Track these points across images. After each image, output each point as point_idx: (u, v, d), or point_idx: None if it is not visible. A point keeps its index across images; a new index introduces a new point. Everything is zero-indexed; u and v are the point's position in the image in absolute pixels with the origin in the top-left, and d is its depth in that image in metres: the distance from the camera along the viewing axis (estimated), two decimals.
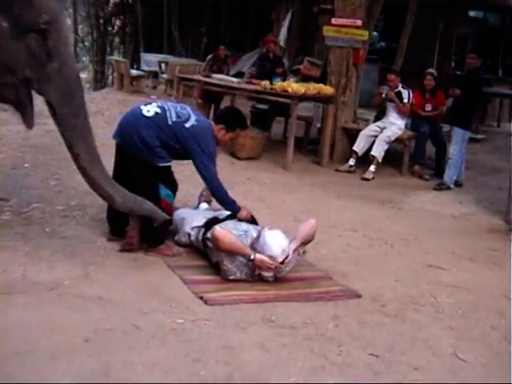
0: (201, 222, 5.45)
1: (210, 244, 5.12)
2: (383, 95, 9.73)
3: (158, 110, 5.32)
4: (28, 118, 4.58)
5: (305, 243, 5.18)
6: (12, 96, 4.48)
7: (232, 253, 4.84)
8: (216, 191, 5.50)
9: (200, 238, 5.33)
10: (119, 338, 3.86)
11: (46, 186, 6.93)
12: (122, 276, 4.84)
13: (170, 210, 5.43)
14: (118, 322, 4.05)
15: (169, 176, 5.38)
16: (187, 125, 5.36)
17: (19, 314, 4.04)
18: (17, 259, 4.87)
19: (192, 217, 5.61)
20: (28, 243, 5.18)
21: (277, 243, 4.85)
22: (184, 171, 8.00)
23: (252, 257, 4.83)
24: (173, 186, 5.46)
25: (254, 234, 5.07)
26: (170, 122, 5.29)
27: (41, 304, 4.20)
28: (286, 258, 4.85)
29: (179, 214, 5.69)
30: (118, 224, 5.44)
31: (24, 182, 6.84)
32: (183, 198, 6.55)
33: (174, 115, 5.35)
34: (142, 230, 5.32)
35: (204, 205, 6.12)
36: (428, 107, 9.92)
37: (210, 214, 5.55)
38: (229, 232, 4.91)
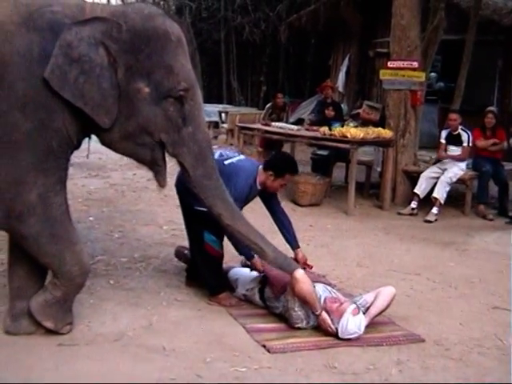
0: (254, 283, 5.46)
1: (270, 294, 5.16)
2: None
3: None
4: (161, 178, 4.70)
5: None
6: (148, 156, 4.62)
7: (304, 301, 4.84)
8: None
9: (257, 298, 5.35)
10: None
11: (110, 238, 7.09)
12: (185, 326, 4.90)
13: (218, 256, 5.46)
14: (181, 372, 4.10)
15: (213, 221, 4.98)
16: (226, 162, 5.38)
17: (84, 366, 4.13)
18: (82, 311, 4.98)
19: (245, 279, 5.60)
20: (93, 295, 5.30)
21: (355, 330, 4.79)
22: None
23: (318, 312, 4.83)
24: (218, 232, 5.32)
25: (322, 295, 5.03)
26: None
27: (105, 355, 4.29)
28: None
29: (233, 274, 5.72)
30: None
31: (89, 235, 7.00)
32: None
33: (217, 155, 5.28)
34: (203, 279, 5.39)
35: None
36: None
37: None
38: (309, 279, 4.89)
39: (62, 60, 4.14)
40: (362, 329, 4.82)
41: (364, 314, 4.92)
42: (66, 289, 4.51)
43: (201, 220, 5.27)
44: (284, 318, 4.99)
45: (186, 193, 5.16)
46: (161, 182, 4.71)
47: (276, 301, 5.10)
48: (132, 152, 4.66)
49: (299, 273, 4.84)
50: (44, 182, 4.24)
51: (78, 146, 4.57)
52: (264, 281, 5.32)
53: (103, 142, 4.60)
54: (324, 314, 4.83)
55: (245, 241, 4.86)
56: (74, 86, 4.17)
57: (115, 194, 8.61)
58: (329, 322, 4.81)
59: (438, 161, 9.88)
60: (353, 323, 4.77)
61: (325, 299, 4.96)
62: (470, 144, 9.58)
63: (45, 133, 4.21)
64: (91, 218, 7.78)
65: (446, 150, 9.72)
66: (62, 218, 4.40)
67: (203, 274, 5.44)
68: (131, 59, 4.33)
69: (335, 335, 4.81)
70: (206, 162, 4.69)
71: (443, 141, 9.75)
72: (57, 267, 4.45)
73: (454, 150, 9.64)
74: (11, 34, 4.12)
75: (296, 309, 4.88)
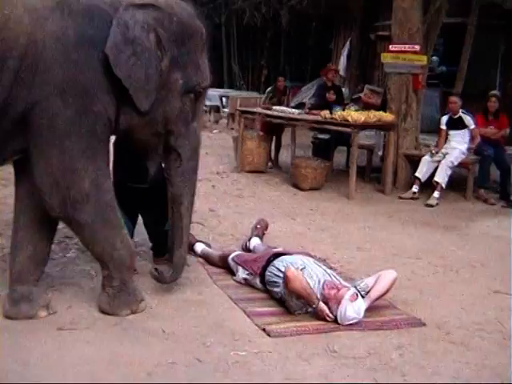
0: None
1: (271, 279, 5.15)
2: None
3: None
4: (151, 163, 4.94)
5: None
6: (154, 145, 4.82)
7: (299, 296, 4.82)
8: None
9: (258, 282, 5.34)
10: (182, 371, 3.91)
11: None
12: (184, 309, 4.89)
13: None
14: (181, 356, 4.10)
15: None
16: None
17: (84, 350, 4.13)
18: (82, 295, 4.99)
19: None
20: (93, 279, 5.30)
21: (354, 315, 4.76)
22: (247, 204, 8.09)
23: (315, 305, 4.80)
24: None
25: (321, 279, 5.03)
26: None
27: (105, 339, 4.29)
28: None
29: (234, 258, 5.70)
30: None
31: None
32: (247, 230, 6.59)
33: None
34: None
35: (256, 239, 6.14)
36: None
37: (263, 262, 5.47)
38: (302, 276, 4.86)
39: (120, 39, 4.29)
40: (362, 313, 4.80)
41: (364, 297, 4.90)
42: (121, 274, 4.68)
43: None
44: (284, 302, 4.97)
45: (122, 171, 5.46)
46: (151, 166, 4.93)
47: (275, 286, 5.08)
48: (145, 139, 4.77)
49: (290, 271, 4.81)
50: (94, 167, 4.38)
51: (115, 129, 4.63)
52: (266, 266, 5.30)
53: (123, 127, 4.63)
54: (321, 305, 4.80)
55: (179, 233, 5.02)
56: (125, 66, 4.31)
57: None
58: (327, 311, 4.78)
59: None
60: (351, 309, 4.75)
61: (324, 283, 4.94)
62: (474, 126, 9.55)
63: (87, 118, 4.30)
64: None
65: (447, 136, 9.68)
66: (112, 203, 4.56)
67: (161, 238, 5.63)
68: (175, 51, 4.54)
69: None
70: (197, 157, 5.02)
71: (444, 127, 9.71)
72: (109, 253, 4.59)
73: (456, 135, 9.59)
74: (44, 18, 4.16)
75: (294, 299, 4.86)
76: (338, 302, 4.77)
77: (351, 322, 4.74)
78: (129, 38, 4.31)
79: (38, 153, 4.29)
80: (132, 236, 5.61)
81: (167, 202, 5.08)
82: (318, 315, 4.81)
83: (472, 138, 9.57)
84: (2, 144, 4.31)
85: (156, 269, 5.16)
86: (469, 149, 9.63)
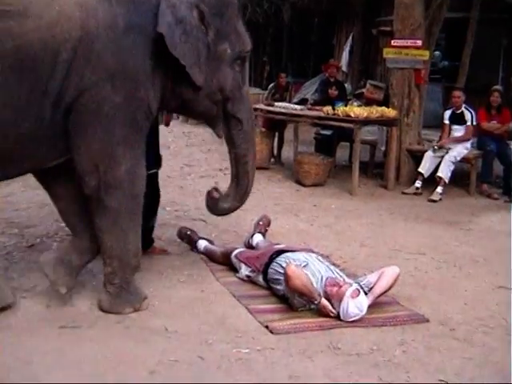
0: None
1: (273, 276, 5.14)
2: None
3: None
4: (218, 129, 5.22)
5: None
6: (215, 113, 5.07)
7: (301, 294, 4.81)
8: None
9: (261, 279, 5.33)
10: (184, 369, 3.91)
11: None
12: (187, 307, 4.88)
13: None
14: (183, 354, 4.09)
15: None
16: None
17: (86, 348, 4.12)
18: (84, 293, 4.99)
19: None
20: (95, 277, 5.26)
21: (357, 312, 4.75)
22: (250, 200, 8.07)
23: (317, 302, 4.80)
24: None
25: (324, 275, 5.01)
26: None
27: (108, 337, 4.28)
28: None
29: (236, 255, 5.70)
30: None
31: None
32: (249, 227, 6.59)
33: None
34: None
35: (258, 236, 6.13)
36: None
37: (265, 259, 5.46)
38: (303, 273, 4.86)
39: (171, 19, 4.49)
40: (365, 309, 4.78)
41: (367, 294, 4.89)
42: (123, 272, 4.71)
43: None
44: (287, 299, 4.96)
45: None
46: (220, 133, 5.23)
47: (278, 283, 5.07)
48: (207, 109, 5.03)
49: (290, 269, 4.80)
50: (131, 156, 4.52)
51: (153, 118, 4.89)
52: (268, 263, 5.29)
53: (184, 103, 4.94)
54: (324, 302, 4.79)
55: (247, 178, 5.31)
56: (180, 45, 4.53)
57: None
58: (329, 308, 4.77)
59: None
60: (353, 306, 4.73)
61: (326, 279, 4.93)
62: (474, 123, 9.52)
63: (131, 105, 4.47)
64: None
65: (450, 131, 9.66)
66: (141, 195, 4.67)
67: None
68: (218, 22, 4.78)
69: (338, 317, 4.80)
70: (252, 117, 5.51)
71: (446, 121, 9.70)
72: (121, 246, 4.65)
73: (458, 130, 9.58)
74: (95, 8, 4.34)
75: (296, 297, 4.85)
76: (340, 299, 4.76)
77: (354, 318, 4.72)
78: (178, 18, 4.52)
79: (81, 137, 4.40)
80: None
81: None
82: (321, 311, 4.81)
83: (465, 133, 9.55)
84: (56, 139, 4.43)
85: (216, 188, 5.46)
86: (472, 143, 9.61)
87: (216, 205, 5.41)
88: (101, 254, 4.78)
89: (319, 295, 4.80)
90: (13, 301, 4.67)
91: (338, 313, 4.75)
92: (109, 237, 4.63)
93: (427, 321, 4.81)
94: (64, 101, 4.28)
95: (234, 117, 5.11)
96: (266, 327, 4.56)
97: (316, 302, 4.78)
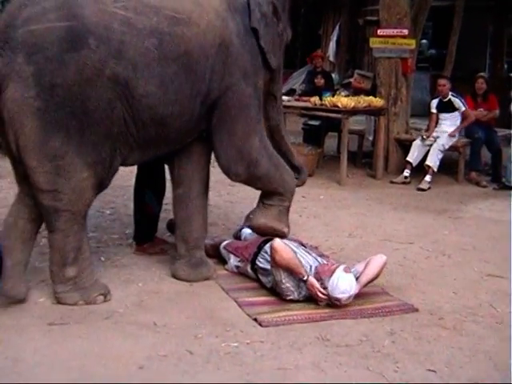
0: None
1: (261, 265, 5.13)
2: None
3: None
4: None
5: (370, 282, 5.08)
6: (266, 90, 5.63)
7: (288, 269, 4.81)
8: None
9: (249, 269, 5.32)
10: (173, 363, 3.89)
11: (101, 214, 7.06)
12: (176, 301, 4.87)
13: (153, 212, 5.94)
14: (172, 348, 4.08)
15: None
16: None
17: (75, 344, 4.10)
18: None
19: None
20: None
21: (346, 288, 4.76)
22: (238, 193, 8.06)
23: (305, 278, 4.80)
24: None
25: (313, 265, 5.01)
26: None
27: (96, 333, 4.26)
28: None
29: (225, 246, 5.70)
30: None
31: None
32: (239, 220, 6.57)
33: None
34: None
35: (247, 229, 6.11)
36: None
37: (254, 248, 5.46)
38: (288, 247, 4.90)
39: (259, 15, 5.21)
40: (353, 291, 4.77)
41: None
42: (289, 201, 5.68)
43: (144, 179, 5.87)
44: (276, 292, 4.95)
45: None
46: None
47: (266, 274, 5.06)
48: (264, 89, 5.53)
49: (276, 242, 4.86)
50: (260, 128, 5.40)
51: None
52: (257, 252, 5.28)
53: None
54: (312, 279, 4.79)
55: (287, 150, 5.92)
56: (265, 36, 5.26)
57: None
58: (317, 285, 4.77)
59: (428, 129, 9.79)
60: (345, 280, 4.74)
61: (316, 268, 4.93)
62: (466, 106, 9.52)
63: (257, 91, 5.29)
64: None
65: (437, 119, 9.66)
66: (272, 148, 5.53)
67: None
68: (283, 16, 5.51)
69: (326, 300, 4.79)
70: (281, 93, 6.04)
71: (434, 110, 9.70)
72: (282, 187, 5.55)
73: (447, 118, 9.58)
74: (225, 19, 5.01)
75: (283, 281, 4.83)
76: (331, 273, 4.77)
77: (343, 295, 4.72)
78: (262, 13, 5.25)
79: (225, 129, 5.14)
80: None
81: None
82: (309, 289, 4.80)
83: (464, 119, 9.53)
84: (195, 126, 5.10)
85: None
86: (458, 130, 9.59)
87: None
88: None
89: (306, 272, 4.81)
90: (24, 297, 4.69)
91: (327, 290, 4.75)
92: (269, 187, 5.52)
93: (416, 310, 4.81)
94: (210, 98, 4.97)
95: (272, 94, 5.72)
96: (255, 320, 4.54)
97: (304, 279, 4.78)
